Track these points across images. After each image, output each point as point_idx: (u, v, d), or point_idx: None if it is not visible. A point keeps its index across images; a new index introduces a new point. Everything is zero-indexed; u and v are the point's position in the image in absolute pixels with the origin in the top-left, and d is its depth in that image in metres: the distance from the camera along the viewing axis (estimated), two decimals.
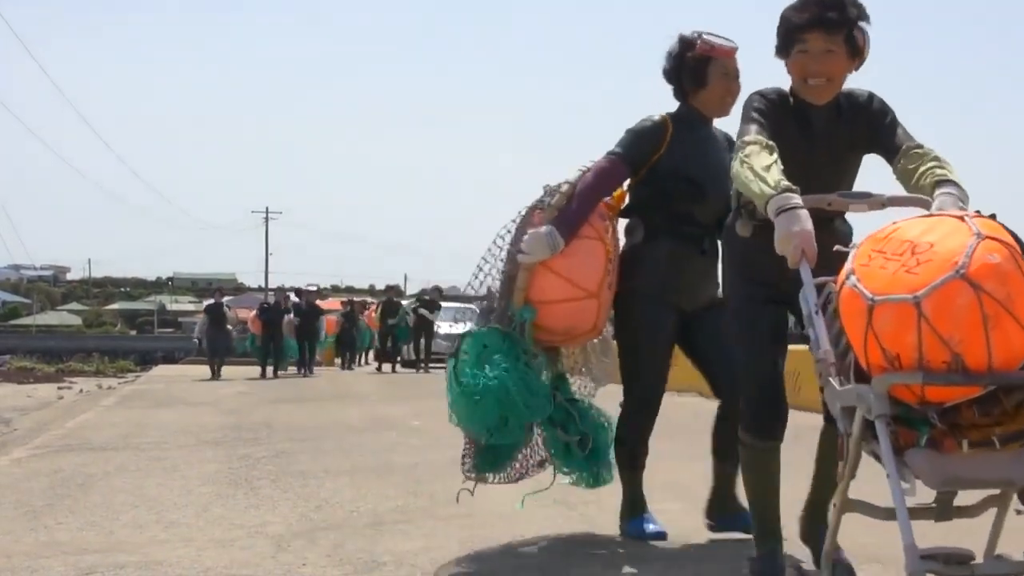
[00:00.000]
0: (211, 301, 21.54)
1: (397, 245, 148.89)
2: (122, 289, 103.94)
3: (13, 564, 3.94)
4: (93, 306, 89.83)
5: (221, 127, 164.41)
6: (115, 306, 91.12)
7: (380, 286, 24.50)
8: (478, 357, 3.99)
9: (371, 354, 25.59)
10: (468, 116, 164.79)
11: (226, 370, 19.58)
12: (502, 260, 4.21)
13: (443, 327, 22.31)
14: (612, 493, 4.28)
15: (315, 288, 26.26)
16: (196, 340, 22.71)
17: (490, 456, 4.21)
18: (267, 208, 68.31)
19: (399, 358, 22.41)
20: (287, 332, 20.05)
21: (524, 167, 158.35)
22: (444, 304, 25.61)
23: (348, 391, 14.88)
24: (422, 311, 20.88)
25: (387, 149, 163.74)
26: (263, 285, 65.06)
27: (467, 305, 29.77)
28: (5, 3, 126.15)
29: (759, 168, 2.98)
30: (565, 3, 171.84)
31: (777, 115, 3.23)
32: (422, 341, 20.82)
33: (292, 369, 20.70)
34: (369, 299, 29.65)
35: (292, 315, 20.22)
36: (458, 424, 4.12)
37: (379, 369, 20.44)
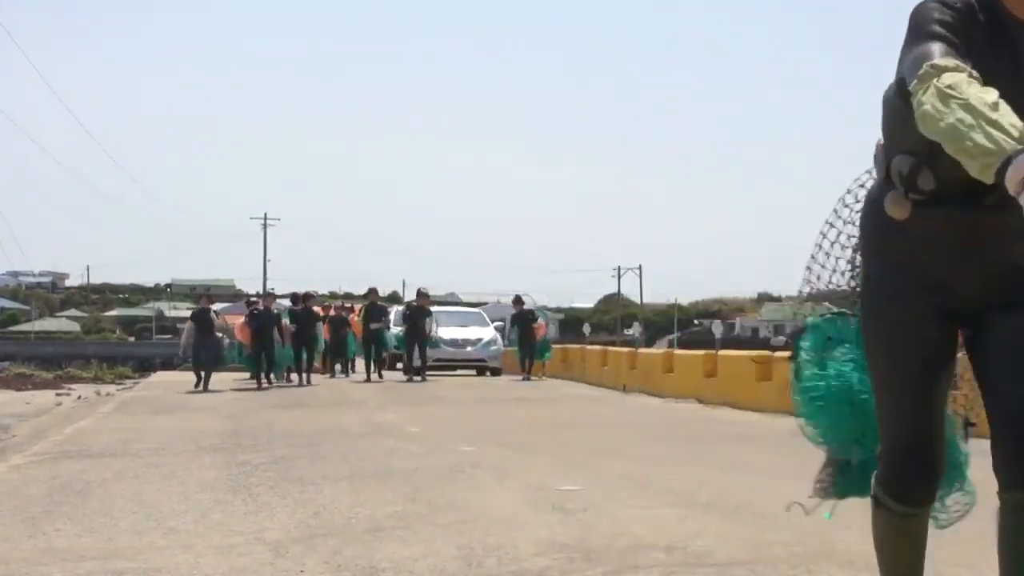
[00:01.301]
0: (197, 307, 20.25)
1: (396, 249, 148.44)
2: (121, 295, 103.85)
3: (12, 571, 3.95)
4: (91, 312, 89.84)
5: (219, 132, 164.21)
6: (113, 312, 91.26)
7: (379, 291, 23.49)
8: (820, 352, 3.35)
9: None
10: (467, 118, 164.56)
11: (218, 378, 18.67)
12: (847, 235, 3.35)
13: (447, 332, 21.93)
14: (611, 497, 4.29)
15: (313, 294, 25.87)
16: (181, 349, 21.36)
17: (857, 475, 3.35)
18: (265, 214, 68.46)
19: (393, 364, 21.89)
20: (284, 340, 19.16)
21: (524, 168, 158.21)
22: (449, 309, 25.09)
23: (346, 397, 14.87)
24: (429, 331, 19.71)
25: (386, 152, 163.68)
26: (261, 292, 65.07)
27: (470, 309, 29.59)
28: (4, 4, 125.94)
29: (982, 107, 1.97)
30: (565, 3, 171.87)
31: (967, 31, 2.24)
32: (416, 349, 20.07)
33: (293, 377, 19.76)
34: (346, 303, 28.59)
35: (288, 322, 19.56)
36: (811, 438, 3.41)
37: (368, 379, 19.71)
